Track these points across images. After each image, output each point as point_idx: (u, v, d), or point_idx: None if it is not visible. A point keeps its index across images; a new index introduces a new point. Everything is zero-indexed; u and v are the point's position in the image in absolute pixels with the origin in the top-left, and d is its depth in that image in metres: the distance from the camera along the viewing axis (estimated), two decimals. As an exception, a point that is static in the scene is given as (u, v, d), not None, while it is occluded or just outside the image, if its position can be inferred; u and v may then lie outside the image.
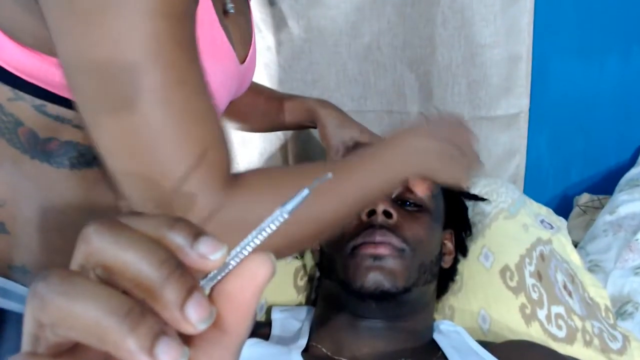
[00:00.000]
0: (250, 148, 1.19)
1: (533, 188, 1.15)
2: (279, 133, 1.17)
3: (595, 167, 1.24)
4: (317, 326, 0.68)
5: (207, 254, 0.21)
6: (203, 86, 0.47)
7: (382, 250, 0.62)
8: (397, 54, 1.07)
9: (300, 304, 0.82)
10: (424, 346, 0.66)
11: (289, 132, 1.16)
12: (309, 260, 0.84)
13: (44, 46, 0.46)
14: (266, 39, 1.09)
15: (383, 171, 0.53)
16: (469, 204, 0.87)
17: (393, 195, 0.69)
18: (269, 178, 0.51)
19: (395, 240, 0.63)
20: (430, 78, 1.07)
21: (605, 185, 1.19)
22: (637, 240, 0.95)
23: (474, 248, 0.82)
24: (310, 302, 0.82)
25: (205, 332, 0.22)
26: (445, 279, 0.77)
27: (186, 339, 0.22)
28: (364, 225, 0.65)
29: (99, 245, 0.21)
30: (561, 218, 0.97)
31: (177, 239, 0.21)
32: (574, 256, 0.88)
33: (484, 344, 0.66)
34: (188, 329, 0.20)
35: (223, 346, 0.23)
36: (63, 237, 0.56)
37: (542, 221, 0.91)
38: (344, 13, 1.04)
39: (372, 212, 0.65)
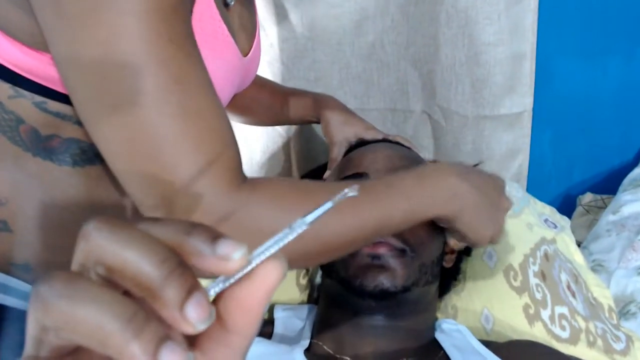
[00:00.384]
0: (252, 145, 1.19)
1: (536, 187, 1.15)
2: (282, 130, 1.17)
3: (599, 167, 1.24)
4: (320, 325, 0.68)
5: (228, 255, 0.21)
6: (203, 82, 0.46)
7: (381, 250, 0.62)
8: (400, 53, 1.07)
9: (302, 302, 0.82)
10: (426, 345, 0.66)
11: (292, 129, 1.16)
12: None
13: (42, 43, 0.46)
14: (269, 36, 1.09)
15: (409, 204, 0.52)
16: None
17: None
18: (289, 187, 0.50)
19: (395, 242, 0.63)
20: (434, 76, 1.07)
21: (609, 184, 1.18)
22: (640, 240, 0.95)
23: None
24: (312, 300, 0.82)
25: (213, 333, 0.22)
26: (447, 278, 0.77)
27: (194, 341, 0.22)
28: None
29: (98, 243, 0.21)
30: (565, 217, 0.97)
31: (196, 243, 0.21)
32: (577, 256, 0.88)
33: (487, 344, 0.66)
34: (187, 329, 0.20)
35: (230, 348, 0.22)
36: (66, 234, 0.56)
37: (546, 220, 0.91)
38: (347, 11, 1.04)
39: None
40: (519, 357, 0.64)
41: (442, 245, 0.72)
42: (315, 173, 0.83)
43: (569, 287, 0.79)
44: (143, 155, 0.43)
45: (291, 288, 0.83)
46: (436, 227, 0.70)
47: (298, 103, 0.88)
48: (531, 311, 0.75)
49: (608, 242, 0.99)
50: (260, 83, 0.93)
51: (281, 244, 0.22)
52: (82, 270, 0.21)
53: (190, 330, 0.20)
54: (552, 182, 1.25)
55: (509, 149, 1.12)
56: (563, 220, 0.95)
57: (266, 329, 0.69)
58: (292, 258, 0.45)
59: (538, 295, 0.76)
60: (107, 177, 0.55)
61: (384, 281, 0.61)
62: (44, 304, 0.20)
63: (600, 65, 1.14)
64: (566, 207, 1.21)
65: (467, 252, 0.80)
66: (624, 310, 0.86)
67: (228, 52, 0.60)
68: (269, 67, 1.12)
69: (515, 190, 0.93)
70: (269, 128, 1.17)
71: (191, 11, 0.51)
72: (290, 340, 0.66)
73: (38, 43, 0.46)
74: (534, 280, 0.77)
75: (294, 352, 0.61)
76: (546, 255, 0.81)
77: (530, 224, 0.86)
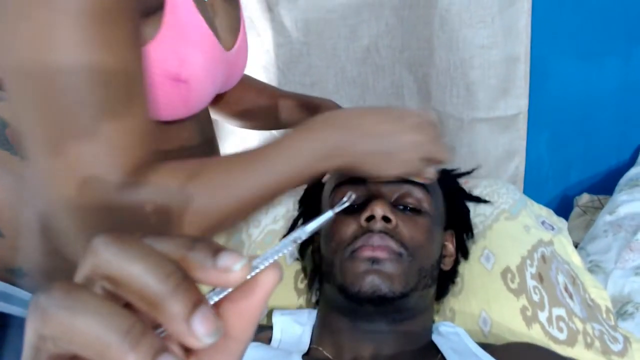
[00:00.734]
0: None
1: (533, 189, 1.16)
2: (280, 136, 1.17)
3: (595, 168, 1.24)
4: (318, 329, 0.68)
5: (229, 267, 0.21)
6: (131, 86, 0.47)
7: (379, 254, 0.62)
8: (395, 56, 1.08)
9: (300, 307, 0.82)
10: (424, 348, 0.66)
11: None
12: (310, 263, 0.84)
13: None
14: (265, 42, 1.10)
15: (294, 164, 0.53)
16: (471, 205, 0.86)
17: (392, 199, 0.68)
18: (197, 164, 0.51)
19: (394, 245, 0.63)
20: (429, 80, 1.07)
21: (605, 185, 1.19)
22: (637, 240, 0.95)
23: (475, 249, 0.82)
24: (311, 305, 0.82)
25: None
26: (445, 281, 0.77)
27: (190, 349, 0.22)
28: (363, 230, 0.64)
29: (106, 257, 0.21)
30: (562, 219, 0.97)
31: (198, 256, 0.22)
32: (575, 257, 0.88)
33: (484, 346, 0.66)
34: (194, 343, 0.20)
35: (227, 352, 0.23)
36: (59, 237, 0.57)
37: (543, 222, 0.91)
38: (342, 16, 1.04)
39: (370, 218, 0.64)
40: (517, 359, 0.64)
41: (440, 248, 0.72)
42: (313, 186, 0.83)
43: (566, 288, 0.79)
44: (59, 148, 0.44)
45: (289, 292, 0.83)
46: (435, 230, 0.70)
47: (297, 107, 0.88)
48: (528, 313, 0.75)
49: (605, 242, 0.99)
50: (259, 87, 0.93)
51: (280, 254, 0.23)
52: (87, 283, 0.22)
53: (197, 344, 0.20)
54: (549, 184, 1.25)
55: (505, 151, 1.12)
56: (560, 222, 0.95)
57: (265, 334, 0.69)
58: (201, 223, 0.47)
59: (535, 297, 0.76)
60: None
61: (382, 287, 0.61)
62: (43, 313, 0.20)
63: (595, 66, 1.14)
64: (563, 208, 1.22)
65: (464, 254, 0.80)
66: (621, 310, 0.86)
67: (206, 44, 0.61)
68: (264, 73, 1.12)
69: (512, 192, 0.93)
70: (267, 133, 1.17)
71: (148, 9, 0.52)
72: (289, 345, 0.66)
73: None
74: (531, 283, 0.77)
75: (292, 357, 0.61)
76: (543, 257, 0.81)
77: (527, 226, 0.86)
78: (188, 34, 0.58)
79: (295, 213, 0.87)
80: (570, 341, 0.73)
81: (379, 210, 0.64)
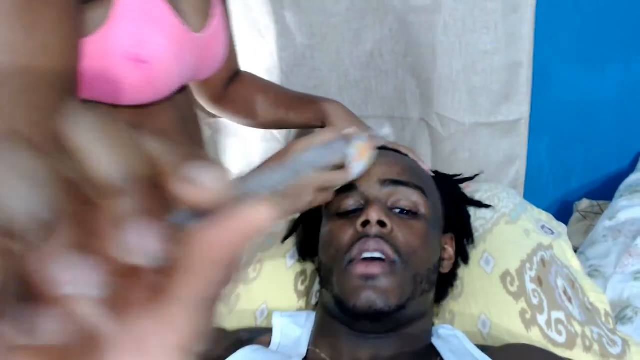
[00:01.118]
0: (251, 154, 1.20)
1: (533, 194, 1.16)
2: (281, 138, 1.18)
3: (595, 173, 1.25)
4: (317, 332, 0.69)
5: (198, 178, 0.17)
6: (49, 71, 0.47)
7: (373, 270, 0.62)
8: (398, 61, 1.08)
9: (301, 309, 0.82)
10: (423, 351, 0.66)
11: (290, 138, 1.17)
12: (310, 265, 0.85)
13: None
14: (269, 45, 1.10)
15: None
16: (472, 209, 0.87)
17: (388, 203, 0.69)
18: None
19: (388, 250, 0.63)
20: (432, 84, 1.08)
21: (605, 191, 1.20)
22: (636, 245, 0.96)
23: (475, 253, 0.83)
24: (310, 307, 0.82)
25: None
26: (444, 284, 0.77)
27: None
28: (359, 235, 0.65)
29: (76, 122, 0.17)
30: (561, 224, 0.98)
31: (172, 161, 0.18)
32: (574, 262, 0.89)
33: (483, 348, 0.66)
34: (125, 257, 0.17)
35: (180, 286, 0.18)
36: None
37: (543, 227, 0.91)
38: (346, 20, 1.05)
39: (366, 222, 0.65)
40: (515, 360, 0.64)
41: (438, 251, 0.72)
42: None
43: (565, 292, 0.80)
44: None
45: (290, 294, 0.84)
46: (432, 234, 0.70)
47: (303, 108, 0.88)
48: (528, 316, 0.75)
49: (604, 247, 1.00)
50: (265, 85, 0.94)
51: (279, 186, 0.19)
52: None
53: (127, 259, 0.17)
54: (550, 189, 1.26)
55: (506, 155, 1.13)
56: (560, 227, 0.95)
57: (265, 338, 0.70)
58: None
59: (535, 301, 0.77)
60: None
61: (378, 302, 0.61)
62: None
63: (596, 72, 1.15)
64: (563, 213, 1.23)
65: (464, 259, 0.81)
66: (620, 315, 0.87)
67: (166, 25, 0.62)
68: (268, 75, 1.13)
69: (513, 197, 0.94)
70: (268, 137, 1.18)
71: None
72: (288, 349, 0.66)
73: None
74: (530, 286, 0.78)
75: (291, 360, 0.62)
76: (543, 261, 0.82)
77: (527, 230, 0.87)
78: (144, 15, 0.59)
79: (295, 215, 0.87)
80: (569, 344, 0.74)
81: (374, 215, 0.64)
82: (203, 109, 1.04)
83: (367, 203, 0.68)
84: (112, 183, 0.17)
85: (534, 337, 0.74)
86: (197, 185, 0.17)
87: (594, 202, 1.21)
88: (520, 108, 1.08)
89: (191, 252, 0.18)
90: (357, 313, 0.62)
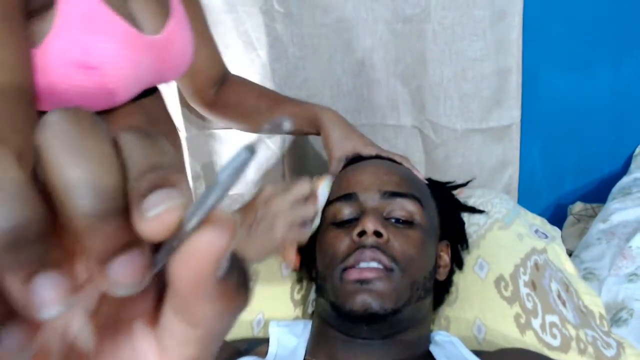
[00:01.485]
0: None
1: (527, 198, 1.17)
2: (275, 146, 1.18)
3: (588, 176, 1.26)
4: (313, 341, 0.69)
5: (146, 210, 0.16)
6: None
7: (367, 274, 0.62)
8: (389, 69, 1.09)
9: (297, 318, 0.83)
10: (420, 358, 0.67)
11: (285, 146, 1.18)
12: (306, 274, 0.85)
13: None
14: (261, 56, 1.11)
15: None
16: (465, 215, 0.88)
17: (384, 213, 0.69)
18: None
19: (385, 260, 0.63)
20: (423, 92, 1.09)
21: (598, 193, 1.20)
22: (630, 247, 0.96)
23: (469, 258, 0.83)
24: (307, 315, 0.82)
25: None
26: (440, 291, 0.78)
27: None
28: (355, 245, 0.65)
29: (50, 136, 0.17)
30: (555, 227, 0.98)
31: (141, 186, 0.17)
32: (568, 265, 0.89)
33: (478, 353, 0.67)
34: (108, 288, 0.16)
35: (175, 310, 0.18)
36: None
37: (536, 231, 0.92)
38: (337, 30, 1.07)
39: (362, 233, 0.65)
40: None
41: (434, 259, 0.72)
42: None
43: (559, 296, 0.80)
44: None
45: (286, 303, 0.84)
46: (428, 242, 0.71)
47: (298, 115, 0.88)
48: (522, 320, 0.76)
49: (598, 250, 1.00)
50: (260, 91, 0.94)
51: (212, 204, 0.17)
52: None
53: (111, 291, 0.16)
54: (543, 193, 1.27)
55: (499, 161, 1.14)
56: (554, 231, 0.96)
57: (261, 348, 0.70)
58: None
59: (529, 305, 0.77)
60: None
61: (373, 305, 0.61)
62: None
63: (587, 76, 1.16)
64: (557, 216, 1.23)
65: (458, 265, 0.81)
66: (615, 317, 0.87)
67: (113, 29, 0.63)
68: (261, 86, 1.14)
69: (506, 202, 0.94)
70: (262, 145, 1.19)
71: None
72: (284, 359, 0.66)
73: None
74: (524, 290, 0.79)
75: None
76: (536, 265, 0.82)
77: (520, 235, 0.87)
78: (88, 22, 0.60)
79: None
80: (564, 347, 0.74)
81: (370, 225, 0.65)
82: (199, 115, 1.05)
83: (363, 213, 0.68)
84: (84, 213, 0.16)
85: (528, 341, 0.74)
86: (152, 220, 0.16)
87: (588, 205, 1.22)
88: (511, 113, 1.09)
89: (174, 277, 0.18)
90: (354, 316, 0.62)
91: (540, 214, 1.01)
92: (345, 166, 0.80)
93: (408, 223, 0.69)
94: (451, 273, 0.79)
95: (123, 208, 0.16)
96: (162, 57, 0.72)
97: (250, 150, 0.17)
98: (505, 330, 0.75)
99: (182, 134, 1.10)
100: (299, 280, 0.85)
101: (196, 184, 1.19)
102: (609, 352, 0.75)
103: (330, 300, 0.65)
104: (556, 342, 0.74)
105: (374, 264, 0.63)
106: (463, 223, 0.85)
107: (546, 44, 1.12)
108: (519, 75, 1.06)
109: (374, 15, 1.04)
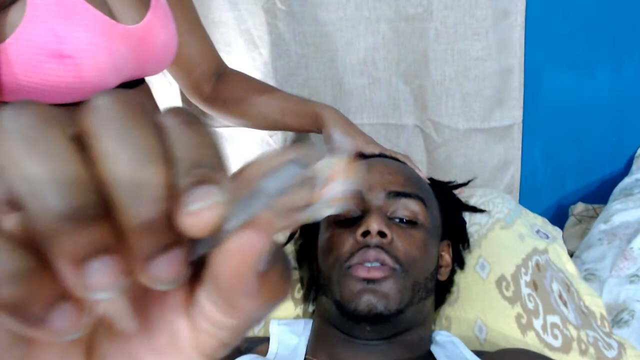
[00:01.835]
0: (248, 159, 1.20)
1: (528, 198, 1.17)
2: (277, 145, 1.18)
3: (590, 177, 1.26)
4: (315, 340, 0.69)
5: (188, 206, 0.16)
6: None
7: (375, 274, 0.62)
8: (392, 68, 1.09)
9: (298, 317, 0.82)
10: (421, 358, 0.67)
11: (287, 144, 1.18)
12: (306, 273, 0.85)
13: None
14: (263, 54, 1.11)
15: None
16: (466, 214, 0.88)
17: (388, 212, 0.69)
18: None
19: (389, 260, 0.63)
20: (425, 91, 1.09)
21: (600, 194, 1.20)
22: (631, 248, 0.96)
23: (470, 258, 0.83)
24: (308, 314, 0.82)
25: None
26: (441, 290, 0.77)
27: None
28: (359, 245, 0.65)
29: (98, 121, 0.16)
30: (557, 228, 0.98)
31: (185, 182, 0.17)
32: (569, 266, 0.89)
33: (479, 353, 0.66)
34: (150, 283, 0.16)
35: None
36: None
37: (537, 231, 0.92)
38: (339, 29, 1.06)
39: (366, 233, 0.65)
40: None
41: (436, 259, 0.72)
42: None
43: (560, 296, 0.80)
44: None
45: (286, 302, 0.84)
46: (430, 243, 0.71)
47: (300, 112, 0.88)
48: (523, 321, 0.76)
49: (600, 251, 1.00)
50: (260, 87, 0.93)
51: (256, 209, 0.17)
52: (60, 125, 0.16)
53: (154, 286, 0.16)
54: (545, 193, 1.26)
55: (501, 160, 1.13)
56: (555, 231, 0.96)
57: (262, 347, 0.70)
58: None
59: (530, 305, 0.77)
60: None
61: (378, 306, 0.61)
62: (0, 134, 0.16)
63: (588, 76, 1.16)
64: (559, 217, 1.23)
65: (460, 264, 0.81)
66: (616, 318, 0.87)
67: (87, 18, 0.62)
68: (263, 85, 1.14)
69: (507, 202, 0.94)
70: (264, 144, 1.18)
71: None
72: (285, 358, 0.66)
73: None
74: (525, 290, 0.78)
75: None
76: (538, 266, 0.82)
77: (522, 235, 0.87)
78: (60, 11, 0.59)
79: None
80: (565, 348, 0.74)
81: (374, 225, 0.64)
82: (201, 113, 1.05)
83: (367, 212, 0.68)
84: (134, 215, 0.16)
85: (530, 342, 0.74)
86: (193, 214, 0.16)
87: (589, 206, 1.22)
88: (513, 113, 1.09)
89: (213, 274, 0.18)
90: (358, 316, 0.62)
91: (542, 214, 1.01)
92: None
93: (411, 223, 0.69)
94: (452, 273, 0.79)
95: (170, 204, 0.16)
96: (141, 48, 0.71)
97: (301, 165, 0.17)
98: (506, 330, 0.75)
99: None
100: (300, 279, 0.85)
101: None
102: (610, 353, 0.75)
103: (335, 299, 0.65)
104: (557, 343, 0.74)
105: (378, 264, 0.63)
106: (464, 222, 0.85)
107: (548, 44, 1.11)
108: (521, 75, 1.06)
109: (376, 14, 1.04)
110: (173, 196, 0.16)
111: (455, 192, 0.88)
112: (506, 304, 0.77)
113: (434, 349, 0.67)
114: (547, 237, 0.92)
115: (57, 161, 0.15)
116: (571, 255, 0.96)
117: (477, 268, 0.82)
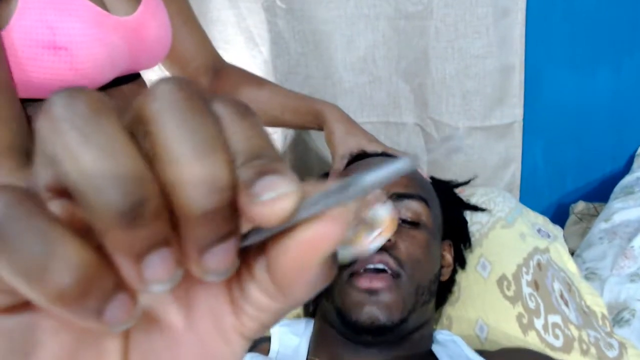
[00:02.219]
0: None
1: (529, 196, 1.17)
2: (277, 143, 1.18)
3: (591, 175, 1.25)
4: (316, 341, 0.69)
5: (259, 193, 0.16)
6: None
7: (377, 284, 0.61)
8: (392, 67, 1.09)
9: (298, 316, 0.82)
10: (422, 357, 0.66)
11: (287, 142, 1.18)
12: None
13: None
14: (263, 52, 1.11)
15: None
16: (468, 213, 0.87)
17: None
18: None
19: (392, 263, 0.63)
20: (425, 89, 1.08)
21: (601, 192, 1.20)
22: (632, 247, 0.96)
23: (471, 257, 0.83)
24: (308, 314, 0.82)
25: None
26: (443, 291, 0.77)
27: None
28: None
29: (158, 107, 0.16)
30: (557, 226, 0.98)
31: (245, 173, 0.16)
32: (570, 265, 0.89)
33: (480, 353, 0.66)
34: (197, 273, 0.16)
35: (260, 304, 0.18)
36: None
37: (539, 230, 0.92)
38: (339, 27, 1.06)
39: None
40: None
41: (439, 261, 0.72)
42: None
43: (561, 296, 0.80)
44: None
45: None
46: (433, 244, 0.70)
47: (301, 109, 0.87)
48: (525, 320, 0.75)
49: (600, 249, 1.00)
50: (260, 83, 0.92)
51: (334, 203, 0.16)
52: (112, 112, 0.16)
53: (202, 276, 0.16)
54: (545, 191, 1.26)
55: (501, 159, 1.13)
56: (556, 230, 0.96)
57: (263, 346, 0.69)
58: None
59: (531, 305, 0.77)
60: None
61: (381, 317, 0.61)
62: (52, 123, 0.15)
63: (589, 74, 1.15)
64: (559, 215, 1.23)
65: (461, 264, 0.81)
66: (617, 317, 0.87)
67: (81, 10, 0.62)
68: (262, 83, 1.13)
69: (508, 200, 0.94)
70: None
71: None
72: (287, 358, 0.66)
73: None
74: (527, 290, 0.78)
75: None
76: (539, 265, 0.82)
77: (523, 234, 0.87)
78: (53, 2, 0.59)
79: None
80: (566, 348, 0.74)
81: None
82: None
83: None
84: (198, 208, 0.15)
85: (531, 341, 0.74)
86: (265, 204, 0.16)
87: (590, 204, 1.22)
88: (514, 111, 1.08)
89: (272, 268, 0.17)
90: (359, 327, 0.61)
91: (542, 213, 1.00)
92: (349, 163, 0.80)
93: (414, 224, 0.68)
94: (454, 272, 0.78)
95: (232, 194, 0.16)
96: (135, 39, 0.70)
97: (413, 161, 0.16)
98: (507, 329, 0.75)
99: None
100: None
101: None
102: (612, 353, 0.75)
103: (336, 306, 0.64)
104: (558, 343, 0.74)
105: (381, 266, 0.63)
106: (466, 222, 0.84)
107: (549, 42, 1.11)
108: (522, 73, 1.06)
109: (376, 12, 1.04)
110: (235, 186, 0.16)
111: (456, 190, 0.87)
112: (507, 303, 0.77)
113: (435, 348, 0.67)
114: (549, 236, 0.91)
115: (116, 155, 0.15)
116: (572, 253, 0.95)
117: (478, 267, 0.82)
